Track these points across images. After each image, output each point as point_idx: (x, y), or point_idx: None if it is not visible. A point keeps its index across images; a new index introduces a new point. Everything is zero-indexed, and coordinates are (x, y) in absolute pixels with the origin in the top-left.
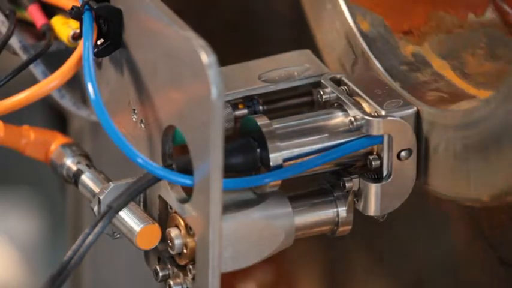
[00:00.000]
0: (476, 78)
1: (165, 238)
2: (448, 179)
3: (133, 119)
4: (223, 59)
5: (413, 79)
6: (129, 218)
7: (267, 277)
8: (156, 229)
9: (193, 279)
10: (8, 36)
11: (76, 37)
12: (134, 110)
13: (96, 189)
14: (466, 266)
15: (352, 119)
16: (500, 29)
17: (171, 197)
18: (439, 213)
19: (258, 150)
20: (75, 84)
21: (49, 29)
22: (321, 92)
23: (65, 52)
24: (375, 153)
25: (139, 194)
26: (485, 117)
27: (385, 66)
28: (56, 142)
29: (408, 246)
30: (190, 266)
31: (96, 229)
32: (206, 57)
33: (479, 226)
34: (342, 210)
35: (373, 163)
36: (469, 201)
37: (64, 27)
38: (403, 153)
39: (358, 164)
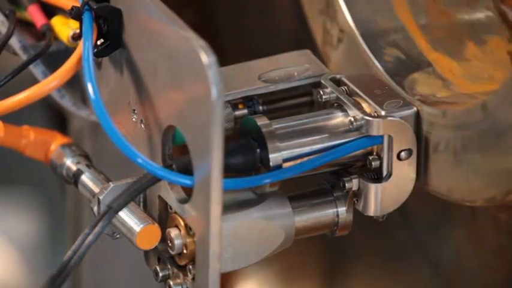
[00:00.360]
0: (433, 33)
1: (164, 238)
2: (448, 179)
3: (133, 119)
4: (224, 59)
5: (374, 25)
6: (129, 218)
7: (266, 277)
8: (155, 229)
9: (193, 279)
10: (8, 36)
11: (76, 37)
12: (134, 110)
13: (96, 190)
14: (466, 267)
15: (352, 119)
16: None
17: (171, 197)
18: (439, 214)
19: (258, 150)
20: (75, 84)
21: (49, 29)
22: (321, 92)
23: (65, 52)
24: (374, 154)
25: (139, 194)
26: (485, 117)
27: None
28: (55, 142)
29: (409, 247)
30: (190, 266)
31: (96, 229)
32: (206, 57)
33: (479, 226)
34: (342, 211)
35: (373, 163)
36: (469, 202)
37: (64, 28)
38: (403, 154)
39: (358, 164)
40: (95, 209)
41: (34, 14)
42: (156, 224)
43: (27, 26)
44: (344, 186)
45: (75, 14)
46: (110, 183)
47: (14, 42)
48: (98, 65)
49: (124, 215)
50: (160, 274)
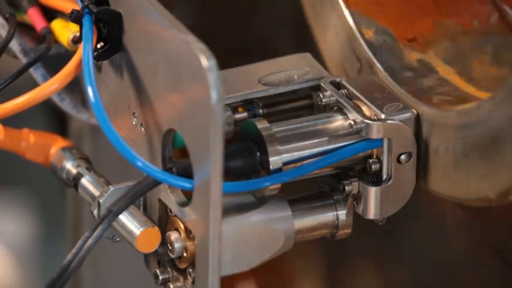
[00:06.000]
0: (482, 83)
1: (165, 241)
2: (448, 180)
3: (133, 122)
4: (224, 62)
5: (419, 84)
6: (129, 222)
7: (266, 280)
8: (155, 232)
9: (193, 282)
10: (8, 39)
11: (76, 40)
12: (134, 113)
13: (96, 193)
14: (468, 268)
15: (352, 122)
16: (504, 33)
17: (171, 201)
18: (439, 215)
19: (258, 153)
20: (75, 87)
21: (49, 32)
22: (321, 96)
23: (65, 55)
24: (374, 157)
25: (139, 197)
26: (485, 118)
27: (389, 72)
28: (56, 145)
29: (408, 249)
30: (190, 270)
31: (96, 232)
32: (206, 60)
33: (481, 226)
34: (342, 214)
35: (372, 166)
36: (469, 202)
37: (64, 31)
38: (402, 157)
39: (358, 167)
40: (95, 212)
41: (34, 17)
42: (156, 227)
43: (27, 29)
44: (344, 189)
45: (75, 17)
46: (110, 186)
47: (14, 45)
48: (98, 68)
49: (124, 218)
50: (161, 277)
